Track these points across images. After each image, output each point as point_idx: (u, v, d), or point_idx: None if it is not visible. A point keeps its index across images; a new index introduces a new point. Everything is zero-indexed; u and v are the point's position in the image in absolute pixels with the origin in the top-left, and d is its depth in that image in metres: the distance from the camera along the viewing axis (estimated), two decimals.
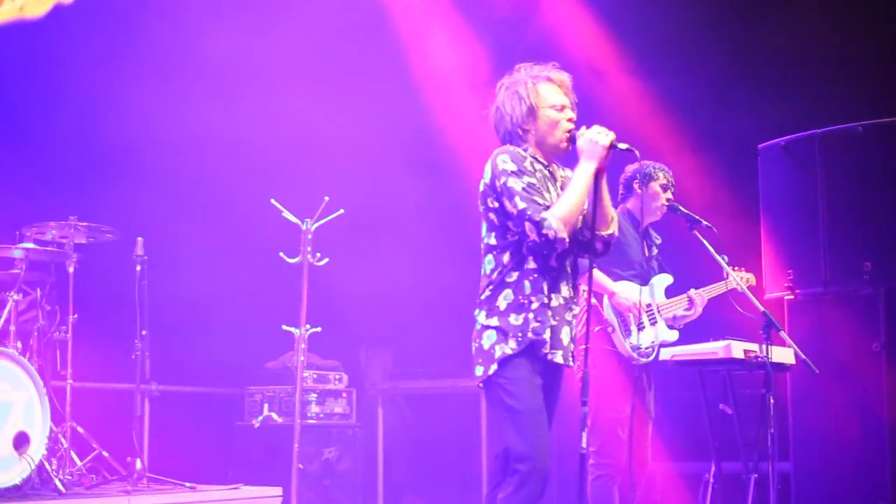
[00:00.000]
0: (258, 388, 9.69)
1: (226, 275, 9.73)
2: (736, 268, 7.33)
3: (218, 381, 10.27)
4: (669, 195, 7.21)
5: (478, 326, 5.27)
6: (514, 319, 5.16)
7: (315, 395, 9.62)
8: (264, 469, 9.06)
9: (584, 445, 5.10)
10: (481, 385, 5.26)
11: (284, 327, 8.88)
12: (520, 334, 5.15)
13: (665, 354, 6.89)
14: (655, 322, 7.18)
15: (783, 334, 6.72)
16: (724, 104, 9.39)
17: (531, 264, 5.18)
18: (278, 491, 8.09)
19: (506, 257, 5.21)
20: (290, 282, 8.85)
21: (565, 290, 5.27)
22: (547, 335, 5.17)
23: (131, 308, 7.99)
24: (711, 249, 6.99)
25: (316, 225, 8.81)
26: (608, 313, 7.00)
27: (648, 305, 7.15)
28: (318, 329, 8.92)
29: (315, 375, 9.68)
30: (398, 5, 9.63)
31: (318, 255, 8.80)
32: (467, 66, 8.90)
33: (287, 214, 8.78)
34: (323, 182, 9.24)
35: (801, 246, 7.60)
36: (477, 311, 5.29)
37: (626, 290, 6.98)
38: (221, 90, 9.50)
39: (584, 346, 5.23)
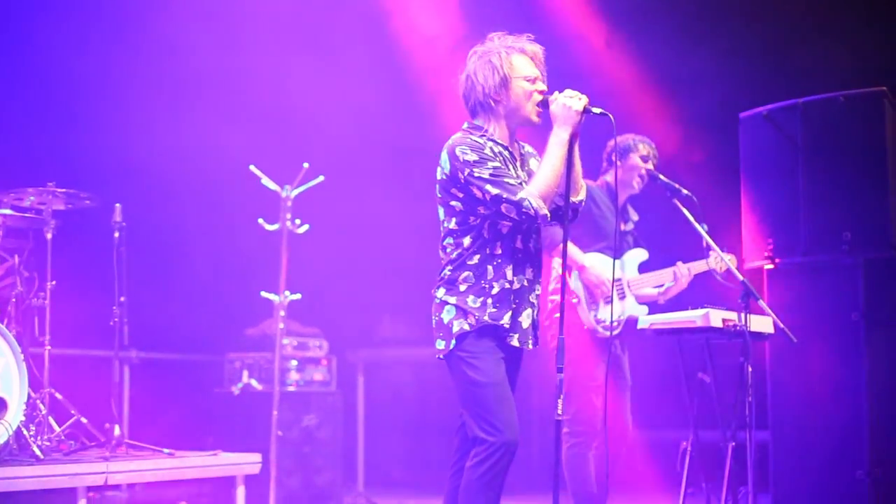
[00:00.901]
0: (238, 354, 9.67)
1: (205, 242, 9.72)
2: (718, 247, 7.35)
3: (197, 348, 10.27)
4: (650, 166, 7.21)
5: (437, 301, 5.29)
6: (473, 301, 5.20)
7: (295, 363, 9.61)
8: (244, 436, 9.03)
9: (559, 412, 5.12)
10: (442, 357, 5.27)
11: (264, 294, 8.89)
12: (477, 315, 5.17)
13: (643, 323, 6.90)
14: (624, 297, 7.21)
15: (762, 303, 6.73)
16: (705, 72, 9.34)
17: (497, 248, 5.20)
18: (257, 458, 8.09)
19: (466, 241, 5.23)
20: (270, 249, 8.85)
21: (529, 272, 5.30)
22: (506, 320, 5.20)
23: (109, 275, 7.94)
24: (691, 218, 6.99)
25: (296, 192, 8.81)
26: (574, 284, 7.05)
27: (619, 280, 7.18)
28: (298, 296, 8.93)
29: (295, 343, 9.67)
30: None
31: (298, 221, 8.81)
32: (449, 30, 8.85)
33: (266, 181, 8.77)
34: (303, 149, 9.22)
35: (781, 215, 7.55)
36: (434, 288, 5.30)
37: (598, 266, 7.00)
38: (200, 54, 9.44)
39: (557, 315, 5.23)
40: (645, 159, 7.26)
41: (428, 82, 8.76)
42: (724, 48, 9.44)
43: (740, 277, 6.71)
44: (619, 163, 7.23)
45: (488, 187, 5.09)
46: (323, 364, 9.88)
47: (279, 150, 9.38)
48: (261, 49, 9.66)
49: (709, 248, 7.09)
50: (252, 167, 8.76)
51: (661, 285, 7.40)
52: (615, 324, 7.14)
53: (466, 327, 5.18)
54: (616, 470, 7.08)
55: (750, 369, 6.53)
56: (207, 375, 10.03)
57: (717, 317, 6.66)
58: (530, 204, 5.06)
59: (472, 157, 5.15)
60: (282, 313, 8.86)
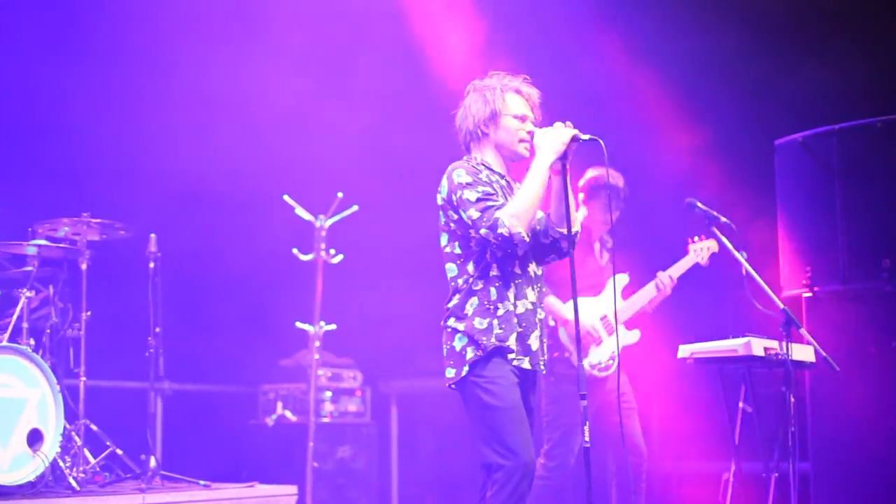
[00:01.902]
0: (272, 386, 9.67)
1: (239, 272, 9.68)
2: (697, 238, 7.37)
3: (231, 380, 10.22)
4: (616, 213, 7.21)
5: (448, 330, 5.29)
6: (479, 324, 5.20)
7: (329, 394, 9.61)
8: (278, 468, 9.04)
9: (586, 439, 5.05)
10: (453, 387, 5.25)
11: (298, 324, 8.86)
12: (484, 339, 5.16)
13: (683, 352, 6.80)
14: (612, 331, 7.20)
15: (803, 331, 6.64)
16: (741, 99, 9.26)
17: (495, 271, 5.22)
18: (293, 489, 8.02)
19: (470, 266, 5.26)
20: (304, 279, 8.81)
21: (531, 294, 5.32)
22: (512, 341, 5.20)
23: (144, 305, 7.91)
24: (730, 246, 6.92)
25: (330, 221, 8.80)
26: (564, 339, 7.15)
27: (604, 317, 7.18)
28: (333, 327, 8.90)
29: (329, 373, 9.67)
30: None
31: (332, 251, 8.79)
32: (485, 58, 8.82)
33: (300, 211, 8.77)
34: (337, 178, 9.19)
35: (820, 243, 7.48)
36: (444, 319, 5.31)
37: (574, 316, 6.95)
38: (233, 85, 9.45)
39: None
40: (607, 208, 7.23)
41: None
42: (763, 74, 9.35)
43: (781, 305, 6.61)
44: (585, 206, 7.32)
45: (471, 211, 5.15)
46: (357, 395, 9.87)
47: (313, 179, 9.35)
48: (293, 77, 9.60)
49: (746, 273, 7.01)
50: (286, 197, 8.75)
51: (658, 292, 7.41)
52: (610, 361, 7.18)
53: (479, 353, 5.18)
54: (649, 501, 7.02)
55: (792, 399, 6.43)
56: (241, 407, 10.01)
57: (758, 345, 6.56)
58: (503, 223, 5.07)
59: (466, 178, 5.23)
60: (317, 344, 8.83)
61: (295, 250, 8.69)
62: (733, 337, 6.65)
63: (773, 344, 6.61)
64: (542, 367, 5.35)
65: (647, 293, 7.40)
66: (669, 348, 6.96)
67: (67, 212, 7.80)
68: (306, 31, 9.50)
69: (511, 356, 5.19)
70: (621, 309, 7.24)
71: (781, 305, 6.63)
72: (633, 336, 7.40)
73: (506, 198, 5.23)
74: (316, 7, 9.41)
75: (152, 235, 8.02)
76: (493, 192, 5.19)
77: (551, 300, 7.08)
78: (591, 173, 7.40)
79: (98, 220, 7.80)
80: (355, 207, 8.83)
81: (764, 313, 6.69)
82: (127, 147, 9.11)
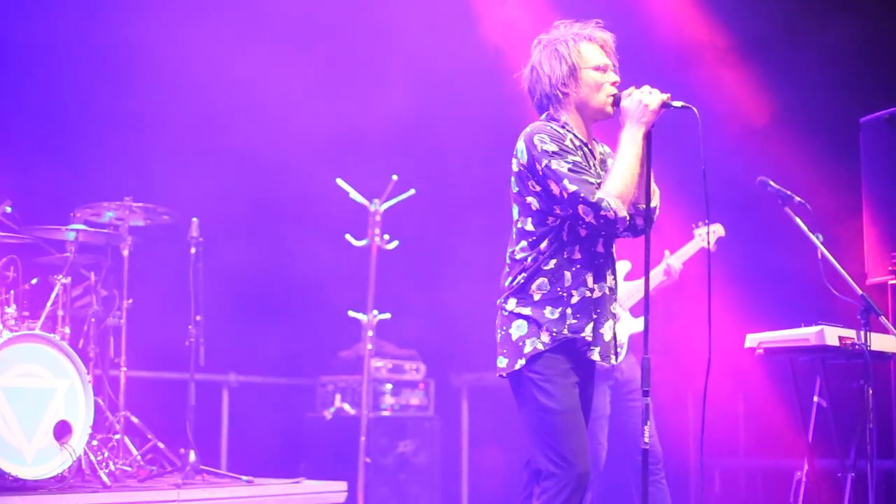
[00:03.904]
0: (330, 378, 9.46)
1: (290, 258, 9.41)
2: (701, 223, 6.96)
3: (289, 371, 10.03)
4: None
5: (505, 313, 4.78)
6: (550, 313, 4.69)
7: (390, 386, 9.37)
8: (336, 462, 8.81)
9: (646, 439, 4.59)
10: (504, 376, 4.79)
11: (351, 313, 8.58)
12: (555, 330, 4.68)
13: (751, 342, 6.37)
14: (617, 319, 6.71)
15: (884, 320, 6.15)
16: (822, 75, 8.77)
17: (576, 253, 4.73)
18: (343, 486, 7.75)
19: (543, 244, 4.74)
20: (359, 265, 8.54)
21: (610, 279, 4.84)
22: (588, 332, 4.72)
23: (188, 293, 7.66)
24: (804, 227, 6.44)
25: (385, 206, 8.53)
26: None
27: None
28: (387, 316, 8.62)
29: (390, 365, 9.44)
30: None
31: (387, 237, 8.51)
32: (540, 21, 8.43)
33: (354, 195, 8.52)
34: (391, 160, 8.87)
35: None
36: (502, 298, 4.81)
37: None
38: (284, 63, 9.17)
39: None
40: None
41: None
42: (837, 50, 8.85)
43: (859, 290, 6.11)
44: None
45: (566, 183, 4.61)
46: (420, 388, 9.62)
47: (367, 161, 9.05)
48: (344, 60, 9.33)
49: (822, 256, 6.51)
50: (339, 180, 8.48)
51: (667, 276, 6.99)
52: (619, 350, 6.68)
53: (540, 346, 4.67)
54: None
55: (871, 392, 6.00)
56: (300, 399, 9.79)
57: (833, 334, 6.12)
58: (609, 205, 4.57)
59: (552, 146, 4.68)
60: (370, 333, 8.56)
61: (348, 236, 8.35)
62: (806, 325, 6.20)
63: (851, 333, 6.18)
64: (615, 359, 4.88)
65: (652, 277, 6.89)
66: (737, 337, 6.53)
67: (109, 195, 7.63)
68: (353, 14, 9.18)
69: (585, 348, 4.74)
70: (622, 296, 6.79)
71: (860, 291, 6.17)
72: (639, 324, 6.91)
73: (588, 164, 4.74)
74: None
75: (194, 220, 7.80)
76: (582, 162, 4.70)
77: None
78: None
79: (141, 205, 7.62)
80: (412, 191, 8.49)
81: (842, 300, 6.20)
82: (171, 128, 8.88)
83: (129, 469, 7.29)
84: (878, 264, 7.20)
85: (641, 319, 6.79)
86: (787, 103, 8.87)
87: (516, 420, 9.68)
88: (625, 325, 6.86)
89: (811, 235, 6.50)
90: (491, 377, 9.92)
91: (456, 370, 10.21)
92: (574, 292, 4.70)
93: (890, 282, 7.12)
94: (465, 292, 9.48)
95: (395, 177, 8.46)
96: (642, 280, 6.76)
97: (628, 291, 6.95)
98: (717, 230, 7.07)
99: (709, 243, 6.76)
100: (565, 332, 4.67)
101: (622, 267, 6.94)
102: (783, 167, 7.63)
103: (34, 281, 7.31)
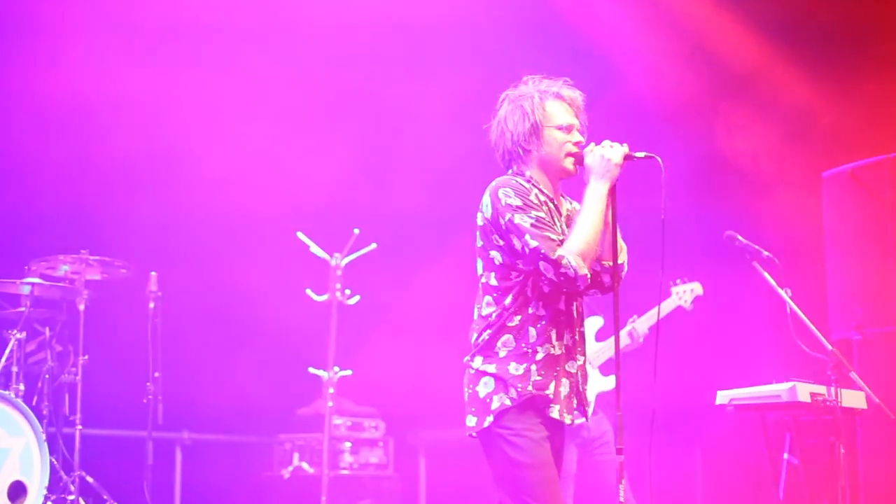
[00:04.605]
0: (288, 436, 9.33)
1: (250, 314, 9.29)
2: (679, 280, 6.87)
3: (245, 429, 9.83)
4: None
5: (472, 371, 4.69)
6: (515, 369, 4.61)
7: (349, 444, 9.25)
8: None
9: (622, 498, 4.50)
10: (474, 435, 4.68)
11: (311, 370, 8.47)
12: (519, 385, 4.59)
13: (722, 398, 6.33)
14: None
15: (854, 375, 6.16)
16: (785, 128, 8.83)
17: (540, 310, 4.65)
18: None
19: (508, 300, 4.66)
20: (319, 321, 8.43)
21: (567, 338, 4.73)
22: (551, 390, 4.64)
23: (145, 348, 7.52)
24: (773, 283, 6.48)
25: (346, 260, 8.45)
26: None
27: None
28: (349, 372, 8.52)
29: (349, 423, 9.31)
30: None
31: (348, 292, 8.42)
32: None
33: (315, 249, 8.43)
34: (353, 214, 8.79)
35: (871, 281, 7.14)
36: (469, 356, 4.72)
37: None
38: (243, 117, 9.16)
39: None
40: None
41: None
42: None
43: (828, 346, 6.11)
44: None
45: (527, 238, 4.55)
46: (379, 446, 9.47)
47: (327, 215, 8.95)
48: (306, 107, 9.26)
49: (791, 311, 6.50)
50: (300, 234, 8.39)
51: (632, 341, 6.94)
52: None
53: (507, 402, 4.59)
54: None
55: (843, 450, 5.92)
56: (257, 457, 9.60)
57: (804, 391, 6.12)
58: (569, 262, 4.51)
59: (516, 201, 4.62)
60: (331, 390, 8.44)
61: (309, 290, 8.25)
62: (777, 382, 6.18)
63: (821, 389, 6.19)
64: (569, 418, 4.75)
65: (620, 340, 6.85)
66: (707, 394, 6.50)
67: (66, 248, 7.53)
68: (319, 56, 9.16)
69: (551, 406, 4.64)
70: (592, 353, 6.73)
71: (830, 346, 6.17)
72: (608, 382, 6.88)
73: (554, 223, 4.67)
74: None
75: (153, 273, 7.72)
76: (546, 217, 4.63)
77: None
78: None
79: (97, 258, 7.49)
80: (373, 245, 8.41)
81: (811, 356, 6.20)
82: (130, 181, 8.84)
83: None
84: (841, 321, 7.23)
85: (612, 378, 6.74)
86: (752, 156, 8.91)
87: (474, 479, 9.64)
88: (594, 383, 6.77)
89: (780, 291, 6.51)
90: (449, 435, 9.91)
91: (414, 428, 10.09)
92: (539, 349, 4.63)
93: (855, 337, 7.14)
94: (425, 349, 9.41)
95: (356, 231, 8.39)
96: (612, 339, 6.74)
97: (599, 349, 6.88)
98: (696, 289, 6.99)
99: (686, 302, 6.72)
100: (530, 388, 4.59)
101: (594, 323, 6.88)
102: (750, 224, 7.60)
103: None
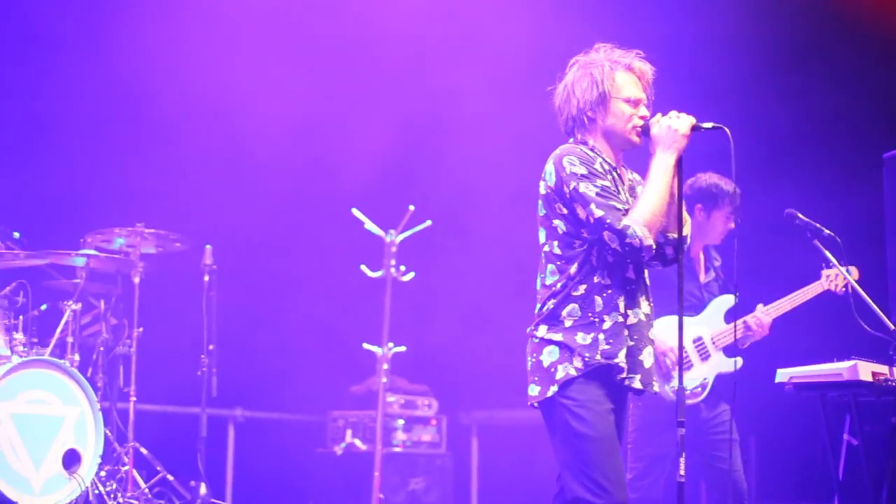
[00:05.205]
0: (341, 413, 9.30)
1: (305, 290, 9.26)
2: (831, 264, 6.61)
3: (300, 406, 9.84)
4: (732, 225, 6.50)
5: (536, 340, 4.65)
6: (582, 338, 4.56)
7: (402, 422, 9.23)
8: (346, 499, 8.71)
9: (681, 472, 4.42)
10: (536, 405, 4.64)
11: (365, 346, 8.42)
12: (587, 355, 4.54)
13: (781, 377, 6.20)
14: (708, 356, 6.47)
15: None
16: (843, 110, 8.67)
17: (605, 279, 4.59)
18: None
19: (573, 269, 4.60)
20: (374, 298, 8.38)
21: (645, 304, 4.69)
22: (621, 358, 4.57)
23: (200, 322, 7.52)
24: (834, 261, 6.34)
25: (401, 237, 8.37)
26: None
27: (697, 339, 6.45)
28: (403, 349, 8.45)
29: (402, 400, 9.30)
30: None
31: (403, 268, 8.35)
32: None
33: (370, 225, 8.35)
34: (409, 190, 8.73)
35: None
36: (532, 325, 4.68)
37: (662, 332, 6.23)
38: (305, 90, 9.09)
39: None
40: (728, 219, 6.52)
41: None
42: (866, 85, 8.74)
43: (892, 325, 5.95)
44: (700, 217, 6.51)
45: (592, 207, 4.49)
46: (432, 424, 9.45)
47: (384, 191, 8.92)
48: (368, 85, 9.19)
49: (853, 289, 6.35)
50: (355, 210, 8.33)
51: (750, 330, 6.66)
52: (698, 389, 6.43)
53: (573, 371, 4.54)
54: None
55: None
56: (310, 434, 9.61)
57: (866, 370, 5.96)
58: (635, 232, 4.45)
59: (581, 169, 4.55)
60: (385, 367, 8.35)
61: (363, 267, 8.19)
62: (838, 360, 6.02)
63: (884, 369, 6.01)
64: (656, 386, 4.75)
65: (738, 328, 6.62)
66: (767, 372, 6.35)
67: (121, 221, 7.55)
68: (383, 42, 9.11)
69: (621, 376, 4.58)
70: (719, 333, 6.56)
71: (893, 326, 6.00)
72: (730, 363, 6.61)
73: (619, 192, 4.62)
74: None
75: (208, 247, 7.71)
76: (611, 187, 4.57)
77: None
78: (706, 178, 6.60)
79: (153, 231, 7.50)
80: (429, 222, 8.33)
81: (873, 335, 6.04)
82: (186, 154, 8.84)
83: (136, 502, 7.13)
84: None
85: (736, 360, 6.55)
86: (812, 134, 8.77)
87: (527, 459, 9.59)
88: (716, 364, 6.58)
89: (841, 269, 6.38)
90: (503, 415, 9.86)
91: (466, 407, 10.05)
92: (606, 317, 4.56)
93: None
94: (480, 327, 9.36)
95: (412, 207, 8.31)
96: (741, 321, 6.57)
97: (727, 330, 6.62)
98: (852, 272, 6.70)
99: (837, 287, 6.51)
100: (598, 357, 4.53)
101: (722, 303, 6.66)
102: (806, 198, 7.46)
103: (43, 307, 7.24)
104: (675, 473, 4.52)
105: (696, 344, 6.54)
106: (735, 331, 6.51)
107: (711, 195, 6.50)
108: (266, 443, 9.49)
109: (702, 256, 6.71)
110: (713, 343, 6.56)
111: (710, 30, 8.83)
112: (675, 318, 6.25)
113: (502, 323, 9.49)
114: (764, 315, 6.60)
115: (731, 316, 6.67)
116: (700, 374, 6.49)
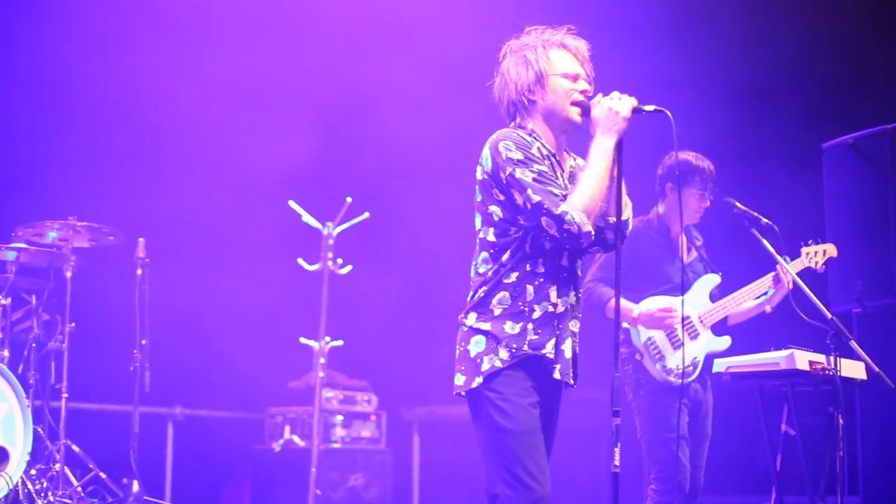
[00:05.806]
0: (279, 409, 9.25)
1: (241, 283, 9.19)
2: (811, 241, 6.62)
3: (237, 402, 9.77)
4: (707, 203, 6.47)
5: (465, 329, 4.55)
6: (510, 328, 4.47)
7: (341, 418, 9.18)
8: (285, 495, 8.67)
9: (616, 463, 4.36)
10: (462, 394, 4.55)
11: (302, 340, 8.38)
12: (514, 346, 4.45)
13: (719, 366, 6.19)
14: (697, 335, 6.45)
15: (853, 344, 5.98)
16: (786, 101, 8.70)
17: (539, 266, 4.50)
18: None
19: (505, 256, 4.51)
20: (310, 291, 8.34)
21: (572, 295, 4.60)
22: (549, 348, 4.49)
23: (132, 316, 7.43)
24: (772, 250, 6.33)
25: (338, 229, 8.34)
26: (636, 340, 6.39)
27: (687, 318, 6.42)
28: (340, 343, 8.43)
29: (341, 396, 9.26)
30: None
31: (340, 261, 8.33)
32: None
33: (307, 218, 8.33)
34: (346, 183, 8.67)
35: (871, 253, 6.92)
36: (462, 314, 4.58)
37: (654, 306, 6.22)
38: (237, 85, 9.10)
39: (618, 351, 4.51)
40: (702, 196, 6.49)
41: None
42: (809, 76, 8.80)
43: (829, 315, 5.94)
44: (671, 195, 6.49)
45: (529, 192, 4.41)
46: (372, 420, 9.41)
47: (321, 183, 8.81)
48: (303, 77, 9.14)
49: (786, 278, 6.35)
50: (292, 203, 8.29)
51: (765, 293, 6.60)
52: (690, 368, 6.39)
53: (498, 363, 4.45)
54: None
55: (841, 421, 5.77)
56: (248, 431, 9.55)
57: (803, 359, 5.96)
58: (573, 218, 4.37)
59: (518, 154, 4.47)
60: (322, 361, 8.33)
61: (300, 260, 8.15)
62: (775, 349, 6.04)
63: (820, 358, 6.01)
64: (571, 379, 4.63)
65: (758, 286, 6.58)
66: (705, 363, 6.41)
67: (53, 215, 7.42)
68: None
69: (553, 367, 4.51)
70: (706, 312, 6.53)
71: (829, 315, 5.98)
72: (720, 342, 6.62)
73: (555, 175, 4.54)
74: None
75: (141, 240, 7.60)
76: (548, 172, 4.49)
77: (623, 303, 6.27)
78: (678, 155, 6.47)
79: (85, 224, 7.38)
80: (366, 214, 8.31)
81: (810, 324, 6.03)
82: (118, 146, 8.81)
83: (68, 501, 7.02)
84: (841, 293, 7.07)
85: (725, 339, 6.54)
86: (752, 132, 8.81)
87: (469, 456, 9.52)
88: (705, 343, 6.55)
89: (779, 258, 6.38)
90: (444, 411, 9.81)
91: (408, 403, 9.99)
92: (536, 307, 4.49)
93: (854, 310, 7.00)
94: (419, 321, 9.30)
95: (349, 199, 8.29)
96: (732, 296, 6.54)
97: (713, 309, 6.60)
98: (829, 250, 6.67)
99: (817, 264, 6.51)
100: (525, 348, 4.46)
101: (707, 282, 6.63)
102: (748, 189, 7.49)
103: None
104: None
105: (685, 322, 6.50)
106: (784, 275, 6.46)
107: (682, 173, 6.44)
108: (205, 440, 9.43)
109: (683, 237, 6.66)
110: (701, 322, 6.54)
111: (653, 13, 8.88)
112: (661, 298, 6.34)
113: (442, 316, 9.45)
114: (789, 268, 6.54)
115: (717, 295, 6.68)
116: (690, 354, 6.46)
